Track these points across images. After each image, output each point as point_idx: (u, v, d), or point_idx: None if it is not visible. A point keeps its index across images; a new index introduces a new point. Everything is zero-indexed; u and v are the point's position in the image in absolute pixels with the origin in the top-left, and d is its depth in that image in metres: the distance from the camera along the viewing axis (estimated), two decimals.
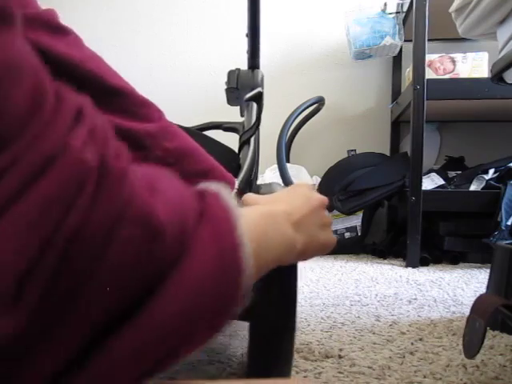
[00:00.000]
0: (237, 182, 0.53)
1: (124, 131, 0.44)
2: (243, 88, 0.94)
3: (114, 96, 0.44)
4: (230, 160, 0.68)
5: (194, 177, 0.47)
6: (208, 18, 2.32)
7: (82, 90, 0.42)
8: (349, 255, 1.87)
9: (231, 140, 0.78)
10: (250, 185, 0.69)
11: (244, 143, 0.74)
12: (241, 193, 0.52)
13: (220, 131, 0.83)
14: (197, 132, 0.73)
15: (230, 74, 0.97)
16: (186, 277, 0.26)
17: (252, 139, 0.74)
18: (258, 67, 1.01)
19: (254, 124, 0.77)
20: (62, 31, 0.43)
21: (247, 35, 1.01)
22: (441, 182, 1.79)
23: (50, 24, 0.41)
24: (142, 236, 0.24)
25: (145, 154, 0.45)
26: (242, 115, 0.96)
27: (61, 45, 0.41)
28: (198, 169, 0.49)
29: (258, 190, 0.67)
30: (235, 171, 0.65)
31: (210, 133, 0.75)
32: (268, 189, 0.55)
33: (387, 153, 2.17)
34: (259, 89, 0.85)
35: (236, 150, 0.74)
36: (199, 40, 2.33)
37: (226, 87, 0.97)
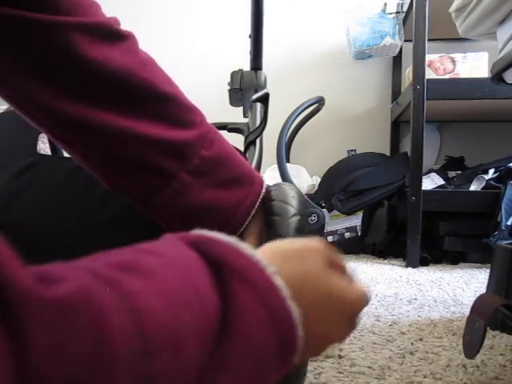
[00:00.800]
0: (264, 184, 0.53)
1: (165, 143, 0.46)
2: (246, 89, 0.95)
3: (162, 102, 0.47)
4: None
5: (226, 183, 0.49)
6: (209, 19, 2.32)
7: (134, 97, 0.46)
8: (349, 255, 1.87)
9: (232, 140, 0.78)
10: None
11: (250, 144, 0.74)
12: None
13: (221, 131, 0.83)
14: None
15: (234, 74, 0.97)
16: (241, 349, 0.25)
17: (257, 140, 0.74)
18: (260, 68, 1.01)
19: (261, 125, 0.77)
20: (120, 38, 0.46)
21: (250, 36, 1.01)
22: (441, 182, 1.79)
23: (108, 32, 0.45)
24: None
25: (182, 165, 0.47)
26: (245, 116, 0.96)
27: (117, 52, 0.44)
28: (231, 176, 0.50)
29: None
30: None
31: None
32: (278, 190, 0.53)
33: (387, 153, 2.17)
34: (266, 90, 0.85)
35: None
36: (200, 40, 2.33)
37: (229, 88, 0.97)
